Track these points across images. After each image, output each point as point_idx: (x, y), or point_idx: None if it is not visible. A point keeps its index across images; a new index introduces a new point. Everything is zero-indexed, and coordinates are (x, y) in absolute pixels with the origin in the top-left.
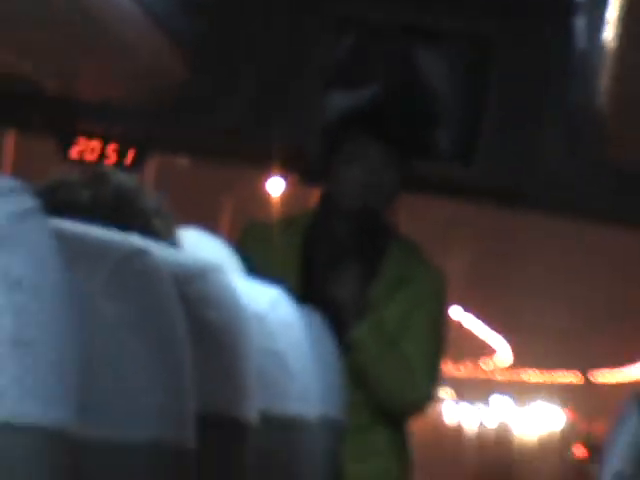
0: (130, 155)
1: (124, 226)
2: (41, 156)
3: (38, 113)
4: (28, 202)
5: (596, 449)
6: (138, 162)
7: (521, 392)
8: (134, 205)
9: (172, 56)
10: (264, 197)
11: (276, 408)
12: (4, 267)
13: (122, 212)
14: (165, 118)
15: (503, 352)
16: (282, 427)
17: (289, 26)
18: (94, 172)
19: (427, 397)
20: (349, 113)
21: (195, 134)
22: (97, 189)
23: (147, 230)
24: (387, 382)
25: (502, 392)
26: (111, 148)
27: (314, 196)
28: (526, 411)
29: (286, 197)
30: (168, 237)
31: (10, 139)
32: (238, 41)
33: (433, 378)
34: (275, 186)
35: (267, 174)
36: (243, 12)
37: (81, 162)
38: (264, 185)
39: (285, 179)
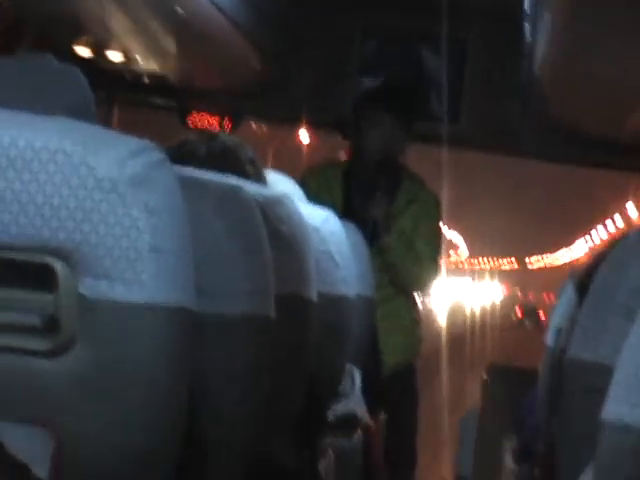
0: (227, 123)
1: (227, 170)
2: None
3: (166, 96)
4: (159, 155)
5: (528, 310)
6: (233, 128)
7: (474, 276)
8: (234, 156)
9: (252, 54)
10: (296, 145)
11: (328, 289)
12: (144, 200)
13: (226, 161)
14: (249, 96)
15: (462, 247)
16: (333, 302)
17: (334, 32)
18: (207, 134)
19: (431, 278)
20: (369, 92)
21: (269, 107)
22: (209, 145)
23: (243, 174)
24: (407, 270)
25: (462, 275)
26: (214, 118)
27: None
28: (479, 288)
29: (310, 145)
30: (257, 178)
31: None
32: (298, 42)
33: (436, 265)
34: (304, 137)
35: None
36: (302, 23)
37: (195, 129)
38: (295, 137)
39: (310, 132)
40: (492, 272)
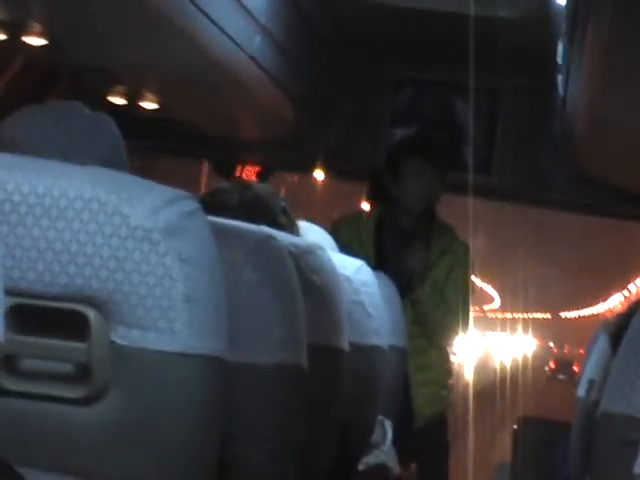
0: (260, 172)
1: (260, 220)
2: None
3: (199, 146)
4: (193, 204)
5: (562, 364)
6: (266, 177)
7: (509, 327)
8: (266, 205)
9: (285, 104)
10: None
11: (360, 340)
12: (178, 248)
13: (258, 210)
14: (282, 146)
15: (497, 300)
16: (365, 353)
17: (366, 82)
18: (240, 183)
19: (463, 329)
20: (408, 142)
21: (302, 157)
22: (242, 194)
23: (275, 223)
24: (439, 322)
25: (495, 327)
26: (248, 168)
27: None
28: (512, 341)
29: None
30: (290, 228)
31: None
32: (329, 93)
33: (467, 316)
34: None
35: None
36: (335, 73)
37: (229, 179)
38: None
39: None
40: (526, 324)
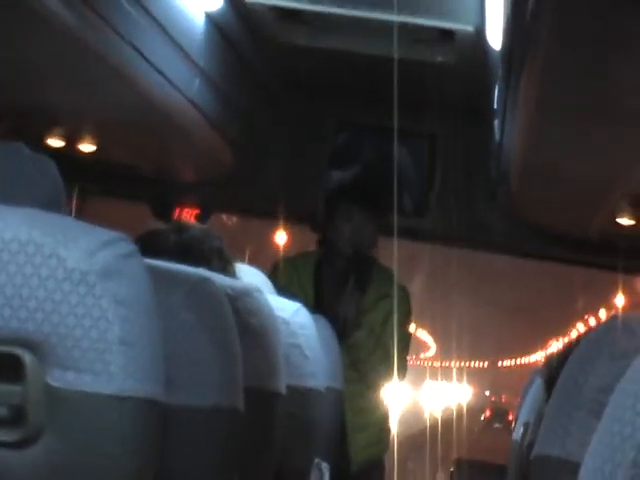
0: (197, 214)
1: (194, 261)
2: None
3: (137, 188)
4: (130, 247)
5: (498, 412)
6: (203, 219)
7: (445, 376)
8: (200, 247)
9: (223, 147)
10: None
11: (297, 382)
12: (114, 291)
13: (192, 252)
14: (220, 188)
15: (432, 348)
16: (301, 395)
17: (304, 126)
18: (177, 224)
19: (401, 376)
20: (338, 187)
21: (239, 200)
22: (178, 236)
23: (208, 265)
24: (376, 368)
25: (431, 375)
26: (185, 210)
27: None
28: (447, 389)
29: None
30: (224, 270)
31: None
32: (268, 136)
33: (405, 361)
34: (280, 237)
35: (276, 229)
36: (273, 117)
37: (166, 221)
38: (272, 236)
39: (286, 232)
40: (462, 372)
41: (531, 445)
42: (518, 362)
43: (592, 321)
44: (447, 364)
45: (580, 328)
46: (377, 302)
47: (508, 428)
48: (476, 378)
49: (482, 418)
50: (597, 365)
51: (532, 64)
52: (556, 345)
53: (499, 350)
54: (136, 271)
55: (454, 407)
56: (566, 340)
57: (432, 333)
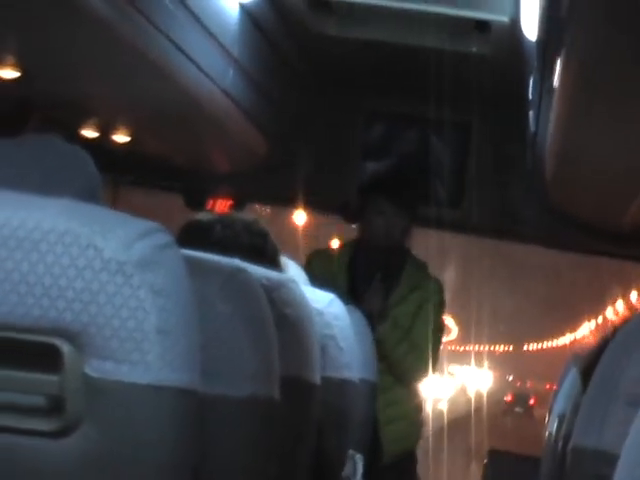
0: (231, 205)
1: (238, 256)
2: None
3: (172, 178)
4: (166, 237)
5: (519, 396)
6: (237, 210)
7: (470, 361)
8: (244, 242)
9: (257, 137)
10: (292, 227)
11: (332, 373)
12: (151, 281)
13: (236, 247)
14: (253, 179)
15: (458, 333)
16: (336, 386)
17: (338, 116)
18: (222, 217)
19: (428, 370)
20: (371, 179)
21: (273, 190)
22: (222, 229)
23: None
24: (401, 362)
25: (459, 362)
26: (220, 201)
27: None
28: (472, 374)
29: (305, 226)
30: (270, 265)
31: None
32: (301, 126)
33: (435, 354)
34: (299, 218)
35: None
36: (307, 107)
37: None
38: (291, 219)
39: (305, 214)
40: (485, 356)
41: (567, 437)
42: (545, 346)
43: (620, 305)
44: (469, 348)
45: (609, 314)
46: (408, 294)
47: (529, 412)
48: (498, 363)
49: (504, 401)
50: (634, 356)
51: (567, 54)
52: (585, 329)
53: (525, 335)
54: (173, 261)
55: (482, 391)
56: (599, 321)
57: (459, 320)
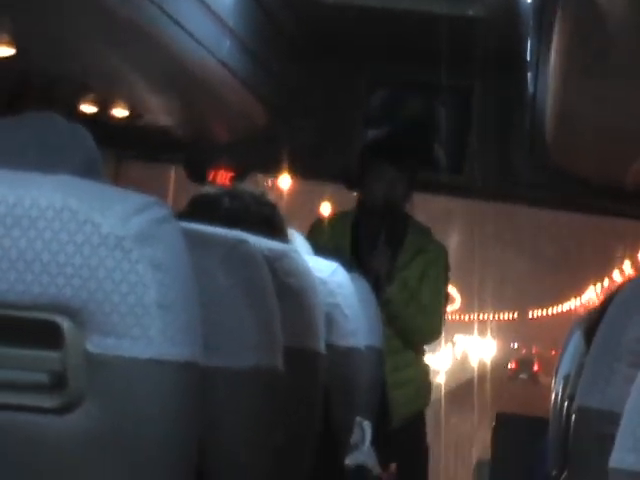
0: (232, 177)
1: (245, 229)
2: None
3: (172, 151)
4: (165, 211)
5: (523, 363)
6: (239, 180)
7: (473, 329)
8: (251, 215)
9: (256, 107)
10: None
11: (337, 341)
12: (150, 255)
13: (243, 220)
14: (254, 150)
15: (460, 300)
16: (341, 354)
17: (337, 84)
18: (229, 190)
19: (438, 331)
20: (371, 145)
21: (273, 160)
22: (229, 202)
23: (257, 233)
24: (411, 323)
25: (462, 330)
26: (222, 172)
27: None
28: (476, 342)
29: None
30: (277, 237)
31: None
32: (301, 95)
33: (441, 317)
34: (284, 182)
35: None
36: (306, 76)
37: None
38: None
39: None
40: (492, 325)
41: (572, 398)
42: (550, 312)
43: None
44: (473, 317)
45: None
46: (413, 258)
47: (533, 378)
48: (502, 331)
49: (508, 368)
50: (635, 316)
51: (563, 15)
52: (590, 293)
53: (531, 302)
54: (172, 235)
55: (486, 359)
56: (605, 284)
57: (462, 286)
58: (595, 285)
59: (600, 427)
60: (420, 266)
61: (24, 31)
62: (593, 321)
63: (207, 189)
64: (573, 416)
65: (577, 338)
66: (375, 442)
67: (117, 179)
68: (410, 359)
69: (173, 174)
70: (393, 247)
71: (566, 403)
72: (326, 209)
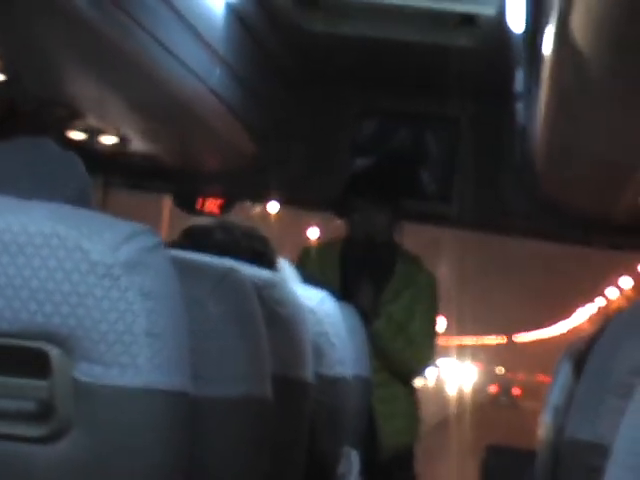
0: (221, 205)
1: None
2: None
3: (160, 179)
4: (154, 239)
5: (503, 387)
6: (226, 209)
7: (458, 354)
8: (242, 249)
9: (245, 135)
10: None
11: (324, 370)
12: (139, 283)
13: (235, 253)
14: (243, 178)
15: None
16: (329, 383)
17: (326, 113)
18: (223, 223)
19: (427, 361)
20: (353, 178)
21: (263, 188)
22: (222, 235)
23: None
24: (399, 356)
25: (445, 355)
26: (210, 201)
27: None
28: (459, 368)
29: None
30: (273, 265)
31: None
32: (290, 124)
33: (432, 348)
34: (272, 208)
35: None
36: (295, 105)
37: (191, 212)
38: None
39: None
40: (478, 349)
41: (562, 429)
42: (537, 337)
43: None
44: (459, 342)
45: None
46: (402, 290)
47: (512, 401)
48: (485, 355)
49: (489, 392)
50: (626, 346)
51: (554, 46)
52: (581, 315)
53: (516, 329)
54: (161, 263)
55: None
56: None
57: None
58: (582, 310)
59: (590, 460)
60: (409, 296)
61: (14, 57)
62: (583, 351)
63: (200, 220)
64: (562, 448)
65: (567, 368)
66: (364, 472)
67: (104, 206)
68: (398, 392)
69: (168, 203)
70: (380, 279)
71: (556, 434)
72: (314, 233)
